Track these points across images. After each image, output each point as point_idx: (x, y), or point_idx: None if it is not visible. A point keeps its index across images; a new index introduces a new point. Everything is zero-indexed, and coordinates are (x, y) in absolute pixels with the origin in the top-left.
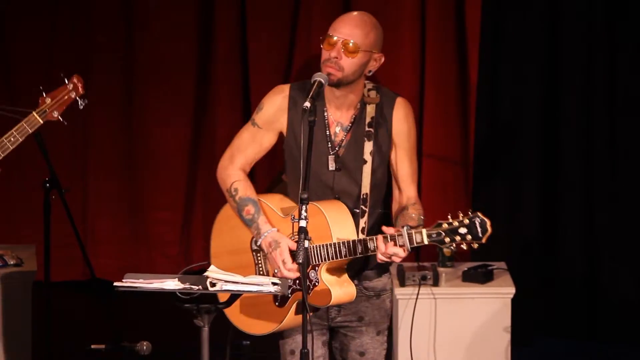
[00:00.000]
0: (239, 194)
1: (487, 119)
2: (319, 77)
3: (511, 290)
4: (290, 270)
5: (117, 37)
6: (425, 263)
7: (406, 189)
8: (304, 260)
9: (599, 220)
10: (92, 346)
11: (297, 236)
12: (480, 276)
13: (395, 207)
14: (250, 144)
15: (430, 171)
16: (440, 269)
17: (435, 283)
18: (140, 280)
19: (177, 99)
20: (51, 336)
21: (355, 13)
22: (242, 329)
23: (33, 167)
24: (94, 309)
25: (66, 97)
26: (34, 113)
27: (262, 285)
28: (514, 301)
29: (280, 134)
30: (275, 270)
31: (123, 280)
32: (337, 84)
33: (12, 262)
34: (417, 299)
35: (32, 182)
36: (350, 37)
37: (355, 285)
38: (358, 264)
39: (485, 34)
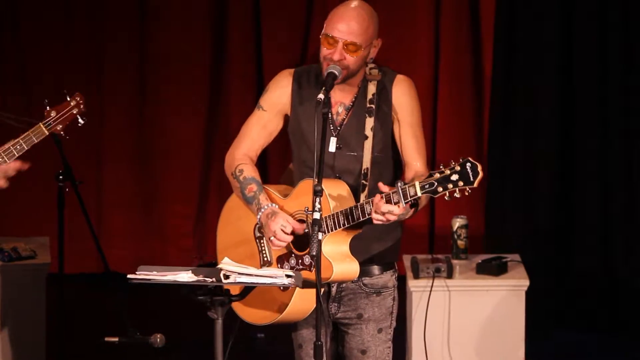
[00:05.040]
0: (244, 174)
1: (501, 111)
2: (332, 69)
3: (525, 283)
4: (287, 236)
5: (131, 29)
6: (439, 255)
7: (413, 163)
8: (318, 252)
9: (615, 211)
10: (106, 339)
11: (299, 213)
12: (494, 268)
13: None
14: (256, 128)
15: (444, 162)
16: (454, 261)
17: (449, 275)
18: (154, 273)
19: (190, 92)
20: (65, 328)
21: (352, 6)
22: (245, 318)
23: (47, 159)
24: (107, 301)
25: (69, 113)
26: (40, 124)
27: (275, 277)
28: (528, 293)
29: (286, 116)
30: (271, 238)
31: (137, 272)
32: (344, 80)
33: (25, 254)
34: (430, 291)
35: (46, 174)
36: (350, 37)
37: (355, 282)
38: (360, 256)
39: (500, 25)
